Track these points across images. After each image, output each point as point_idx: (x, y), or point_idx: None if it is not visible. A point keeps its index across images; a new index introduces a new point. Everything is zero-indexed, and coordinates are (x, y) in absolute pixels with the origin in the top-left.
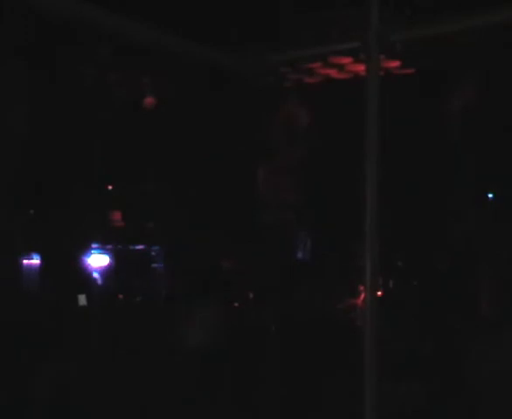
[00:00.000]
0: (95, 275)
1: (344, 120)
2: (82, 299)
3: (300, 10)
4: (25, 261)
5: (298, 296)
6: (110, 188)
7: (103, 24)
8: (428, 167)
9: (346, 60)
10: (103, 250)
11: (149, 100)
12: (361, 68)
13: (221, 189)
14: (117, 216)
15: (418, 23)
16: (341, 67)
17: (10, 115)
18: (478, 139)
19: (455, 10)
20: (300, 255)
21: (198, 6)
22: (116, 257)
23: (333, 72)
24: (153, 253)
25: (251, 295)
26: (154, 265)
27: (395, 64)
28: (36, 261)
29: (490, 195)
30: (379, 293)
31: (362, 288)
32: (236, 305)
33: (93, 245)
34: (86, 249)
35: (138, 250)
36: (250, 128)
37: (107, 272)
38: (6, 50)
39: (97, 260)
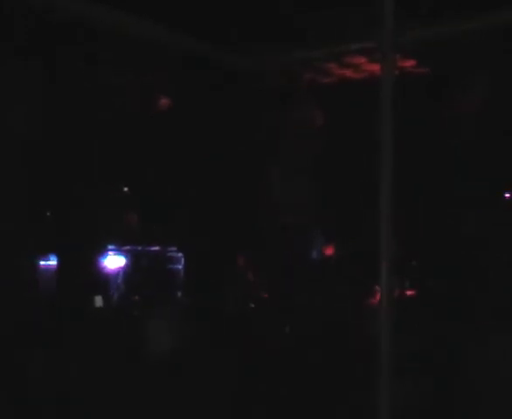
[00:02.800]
0: (111, 276)
1: (358, 119)
2: (98, 301)
3: (312, 9)
4: (42, 263)
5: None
6: (126, 189)
7: (104, 20)
8: (443, 166)
9: (360, 60)
10: (120, 251)
11: (164, 102)
12: (375, 68)
13: (235, 191)
14: (133, 217)
15: (430, 22)
16: (355, 67)
17: (25, 114)
18: (495, 140)
19: (468, 11)
20: (315, 256)
21: (213, 7)
22: (132, 258)
23: (347, 72)
24: (169, 255)
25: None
26: (170, 267)
27: (409, 63)
28: (53, 262)
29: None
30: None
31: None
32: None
33: (110, 247)
34: (102, 250)
35: (154, 251)
36: (261, 129)
37: (123, 274)
38: (13, 49)
39: (113, 262)
